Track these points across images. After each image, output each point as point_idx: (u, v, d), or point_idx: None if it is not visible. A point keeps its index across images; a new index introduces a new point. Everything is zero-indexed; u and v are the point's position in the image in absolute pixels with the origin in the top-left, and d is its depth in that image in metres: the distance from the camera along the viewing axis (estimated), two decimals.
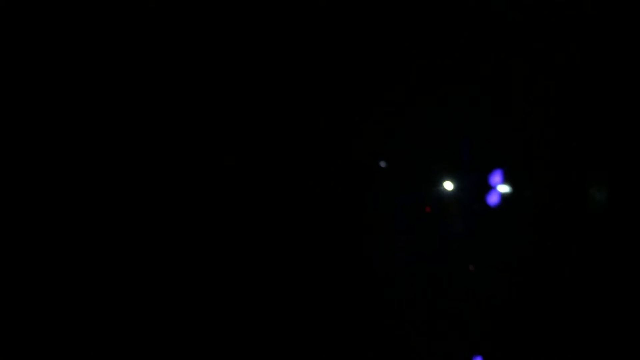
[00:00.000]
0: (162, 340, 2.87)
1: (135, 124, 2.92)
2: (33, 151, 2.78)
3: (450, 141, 3.25)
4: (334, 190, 3.21)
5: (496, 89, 3.14)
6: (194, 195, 3.01)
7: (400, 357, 3.22)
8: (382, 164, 3.14)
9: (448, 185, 3.26)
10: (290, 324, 3.11)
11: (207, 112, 3.02)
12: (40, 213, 2.78)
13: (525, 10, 2.94)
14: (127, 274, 2.89)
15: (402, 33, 3.11)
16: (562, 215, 3.10)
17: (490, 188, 3.16)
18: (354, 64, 3.12)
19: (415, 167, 3.24)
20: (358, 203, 3.24)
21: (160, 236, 2.96)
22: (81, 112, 2.85)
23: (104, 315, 2.81)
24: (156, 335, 2.87)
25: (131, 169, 2.92)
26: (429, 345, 3.24)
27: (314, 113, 3.10)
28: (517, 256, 3.12)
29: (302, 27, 3.03)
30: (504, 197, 3.14)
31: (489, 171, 3.16)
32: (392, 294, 3.29)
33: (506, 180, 3.15)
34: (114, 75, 2.87)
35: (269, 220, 3.10)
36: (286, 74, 3.07)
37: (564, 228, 3.08)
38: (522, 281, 3.10)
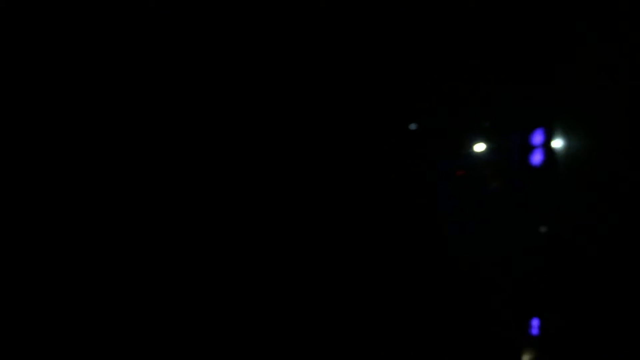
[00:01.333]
0: (162, 340, 2.90)
1: (135, 124, 2.92)
2: (33, 151, 2.77)
3: (487, 101, 3.18)
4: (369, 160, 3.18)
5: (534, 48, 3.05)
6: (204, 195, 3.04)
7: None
8: (413, 126, 3.06)
9: (482, 147, 3.18)
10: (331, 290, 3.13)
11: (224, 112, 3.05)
12: (40, 213, 2.78)
13: None
14: (127, 273, 2.90)
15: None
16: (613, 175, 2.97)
17: (532, 148, 3.08)
18: (389, 34, 3.09)
19: (452, 130, 3.18)
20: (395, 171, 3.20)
21: (166, 235, 2.98)
22: (81, 112, 2.86)
23: (103, 315, 2.82)
24: (156, 335, 2.89)
25: (131, 168, 2.93)
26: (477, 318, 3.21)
27: (347, 79, 3.10)
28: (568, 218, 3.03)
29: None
30: (548, 155, 3.05)
31: (531, 130, 3.07)
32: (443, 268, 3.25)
33: (549, 138, 3.06)
34: (114, 75, 2.88)
35: (314, 186, 3.14)
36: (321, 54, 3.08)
37: (615, 187, 2.96)
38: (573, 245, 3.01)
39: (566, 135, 3.05)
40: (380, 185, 3.17)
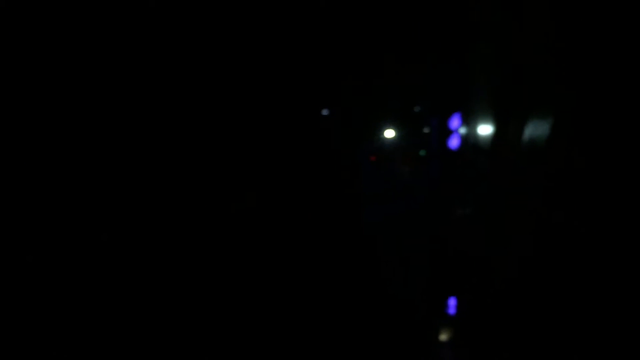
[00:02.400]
0: (161, 340, 2.92)
1: (135, 124, 2.96)
2: (33, 151, 2.76)
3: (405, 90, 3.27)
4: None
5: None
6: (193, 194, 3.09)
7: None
8: (325, 111, 3.16)
9: (391, 133, 3.28)
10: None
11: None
12: (40, 213, 2.77)
13: None
14: (126, 273, 2.92)
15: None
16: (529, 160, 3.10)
17: (450, 132, 3.20)
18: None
19: (369, 116, 3.27)
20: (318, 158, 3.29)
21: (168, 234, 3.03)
22: (81, 112, 2.86)
23: (103, 315, 2.82)
24: (156, 335, 2.91)
25: (131, 168, 2.96)
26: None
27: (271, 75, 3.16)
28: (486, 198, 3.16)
29: None
30: (464, 140, 3.18)
31: (448, 115, 3.19)
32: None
33: (465, 123, 3.18)
34: (114, 75, 2.90)
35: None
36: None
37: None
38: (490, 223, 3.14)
39: (481, 120, 3.17)
40: (297, 170, 3.26)
